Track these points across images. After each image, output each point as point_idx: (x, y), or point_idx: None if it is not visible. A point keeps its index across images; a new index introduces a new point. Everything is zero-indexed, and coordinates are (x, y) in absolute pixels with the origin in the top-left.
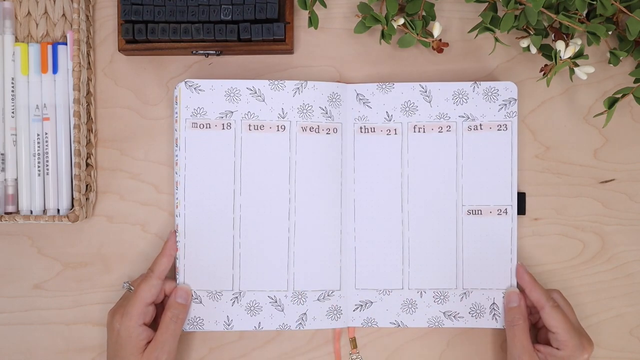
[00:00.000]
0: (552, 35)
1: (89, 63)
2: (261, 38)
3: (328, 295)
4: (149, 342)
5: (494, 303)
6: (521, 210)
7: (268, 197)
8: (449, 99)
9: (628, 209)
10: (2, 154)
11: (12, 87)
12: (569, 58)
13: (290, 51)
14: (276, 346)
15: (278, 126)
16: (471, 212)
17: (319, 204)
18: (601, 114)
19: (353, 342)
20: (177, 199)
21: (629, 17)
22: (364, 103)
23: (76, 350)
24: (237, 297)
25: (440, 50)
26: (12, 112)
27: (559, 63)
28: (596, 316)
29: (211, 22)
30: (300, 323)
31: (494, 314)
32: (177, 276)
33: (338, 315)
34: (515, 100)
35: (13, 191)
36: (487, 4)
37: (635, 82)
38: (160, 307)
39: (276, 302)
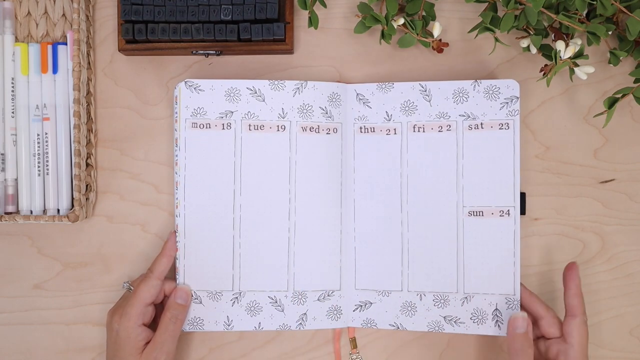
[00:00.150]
0: (552, 35)
1: (89, 63)
2: (261, 38)
3: (328, 296)
4: (147, 343)
5: (496, 309)
6: (521, 210)
7: (268, 197)
8: (449, 98)
9: (628, 209)
10: (2, 154)
11: (12, 87)
12: (569, 58)
13: (290, 51)
14: (276, 346)
15: (278, 126)
16: (472, 213)
17: (319, 204)
18: (601, 114)
19: (353, 342)
20: (177, 199)
21: (629, 17)
22: (363, 103)
23: (76, 350)
24: (237, 298)
25: (440, 51)
26: (12, 112)
27: (559, 63)
28: (596, 316)
29: (211, 22)
30: (300, 323)
31: (497, 320)
32: (177, 276)
33: (338, 316)
34: (518, 98)
35: (13, 191)
36: (487, 4)
37: (635, 82)
38: (159, 307)
39: (276, 302)
